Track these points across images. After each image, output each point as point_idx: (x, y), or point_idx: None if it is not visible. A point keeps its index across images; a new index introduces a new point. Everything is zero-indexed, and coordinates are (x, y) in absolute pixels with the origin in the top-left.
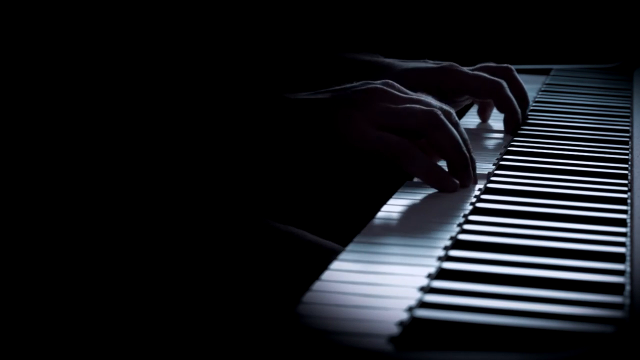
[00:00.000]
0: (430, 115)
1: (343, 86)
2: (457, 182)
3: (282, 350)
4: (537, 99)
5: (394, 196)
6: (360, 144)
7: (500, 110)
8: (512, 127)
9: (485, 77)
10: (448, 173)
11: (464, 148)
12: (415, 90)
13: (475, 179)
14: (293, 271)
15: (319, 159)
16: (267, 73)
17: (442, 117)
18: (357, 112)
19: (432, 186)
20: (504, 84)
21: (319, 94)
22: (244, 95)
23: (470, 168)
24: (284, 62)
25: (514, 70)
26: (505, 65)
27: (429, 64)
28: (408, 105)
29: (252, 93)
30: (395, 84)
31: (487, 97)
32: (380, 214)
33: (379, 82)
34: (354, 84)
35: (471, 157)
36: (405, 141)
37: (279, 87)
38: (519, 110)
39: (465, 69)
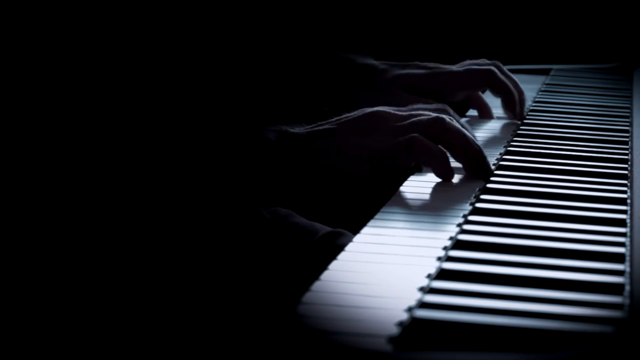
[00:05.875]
0: (437, 122)
1: (344, 116)
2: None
3: (282, 350)
4: (537, 99)
5: (393, 196)
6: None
7: (497, 95)
8: (513, 110)
9: (475, 70)
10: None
11: (476, 144)
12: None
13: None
14: (293, 271)
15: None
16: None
17: (447, 120)
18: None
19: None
20: (496, 70)
21: (319, 125)
22: (239, 129)
23: (487, 160)
24: (282, 62)
25: (497, 72)
26: (487, 68)
27: (420, 68)
28: (414, 119)
29: (247, 126)
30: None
31: (482, 87)
32: (379, 214)
33: (375, 108)
34: (352, 113)
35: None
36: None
37: (279, 93)
38: (515, 92)
39: (453, 67)
